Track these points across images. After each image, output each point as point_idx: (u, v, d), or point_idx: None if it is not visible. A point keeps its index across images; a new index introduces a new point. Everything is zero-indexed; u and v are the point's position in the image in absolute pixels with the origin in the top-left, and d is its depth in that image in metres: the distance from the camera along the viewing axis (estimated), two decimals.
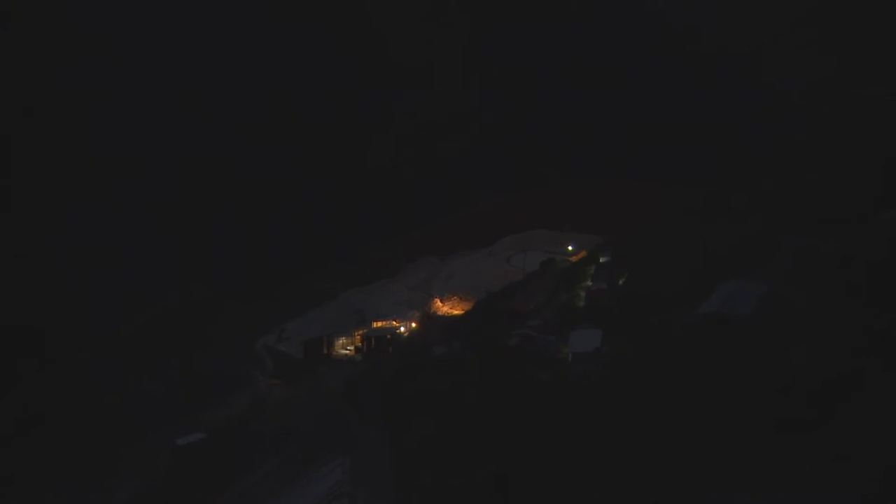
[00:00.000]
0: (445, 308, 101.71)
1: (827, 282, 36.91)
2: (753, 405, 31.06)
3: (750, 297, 41.88)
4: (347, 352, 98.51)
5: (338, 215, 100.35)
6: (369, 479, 47.02)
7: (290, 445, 62.51)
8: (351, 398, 68.10)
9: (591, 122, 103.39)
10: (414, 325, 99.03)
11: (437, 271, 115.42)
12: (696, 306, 43.52)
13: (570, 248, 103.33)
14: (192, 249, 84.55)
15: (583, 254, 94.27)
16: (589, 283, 73.67)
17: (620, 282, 66.62)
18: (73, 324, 77.49)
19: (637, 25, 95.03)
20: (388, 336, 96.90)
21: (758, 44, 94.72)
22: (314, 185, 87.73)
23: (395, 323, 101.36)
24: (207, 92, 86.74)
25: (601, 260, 78.11)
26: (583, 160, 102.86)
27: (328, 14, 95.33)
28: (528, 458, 34.83)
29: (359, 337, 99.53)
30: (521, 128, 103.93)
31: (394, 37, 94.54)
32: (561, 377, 46.32)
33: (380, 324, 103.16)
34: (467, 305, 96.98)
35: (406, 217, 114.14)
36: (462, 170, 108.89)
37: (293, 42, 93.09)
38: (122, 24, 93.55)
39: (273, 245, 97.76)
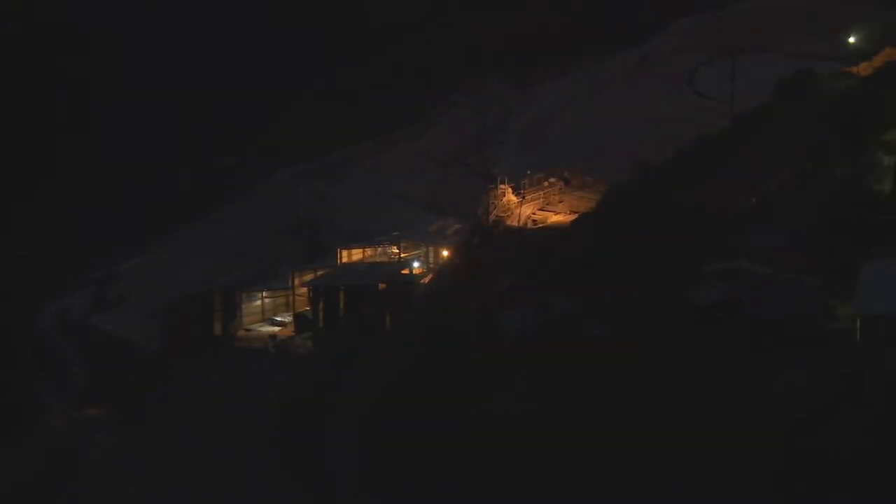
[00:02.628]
0: (527, 208, 50.59)
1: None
2: None
3: None
4: (276, 328, 52.47)
5: None
6: None
7: None
8: (290, 457, 38.06)
9: None
10: (446, 252, 51.70)
11: (510, 114, 71.64)
12: None
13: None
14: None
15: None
16: None
17: None
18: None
19: None
20: (381, 286, 48.35)
21: None
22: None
23: (394, 250, 55.41)
24: (206, 91, 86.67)
25: None
26: None
27: (328, 14, 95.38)
28: None
29: (304, 290, 52.57)
30: None
31: (394, 37, 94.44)
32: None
33: (359, 254, 57.11)
34: (585, 201, 49.47)
35: None
36: None
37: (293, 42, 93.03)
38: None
39: None
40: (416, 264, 53.37)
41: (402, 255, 55.39)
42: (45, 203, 71.46)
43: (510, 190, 51.61)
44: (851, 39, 52.38)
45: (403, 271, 52.26)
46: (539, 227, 48.59)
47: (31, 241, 64.79)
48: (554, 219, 49.27)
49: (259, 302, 54.60)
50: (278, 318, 54.20)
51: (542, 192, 52.82)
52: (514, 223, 47.46)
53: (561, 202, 51.71)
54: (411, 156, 75.66)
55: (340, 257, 57.04)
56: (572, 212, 48.92)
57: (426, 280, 50.28)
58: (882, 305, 29.11)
